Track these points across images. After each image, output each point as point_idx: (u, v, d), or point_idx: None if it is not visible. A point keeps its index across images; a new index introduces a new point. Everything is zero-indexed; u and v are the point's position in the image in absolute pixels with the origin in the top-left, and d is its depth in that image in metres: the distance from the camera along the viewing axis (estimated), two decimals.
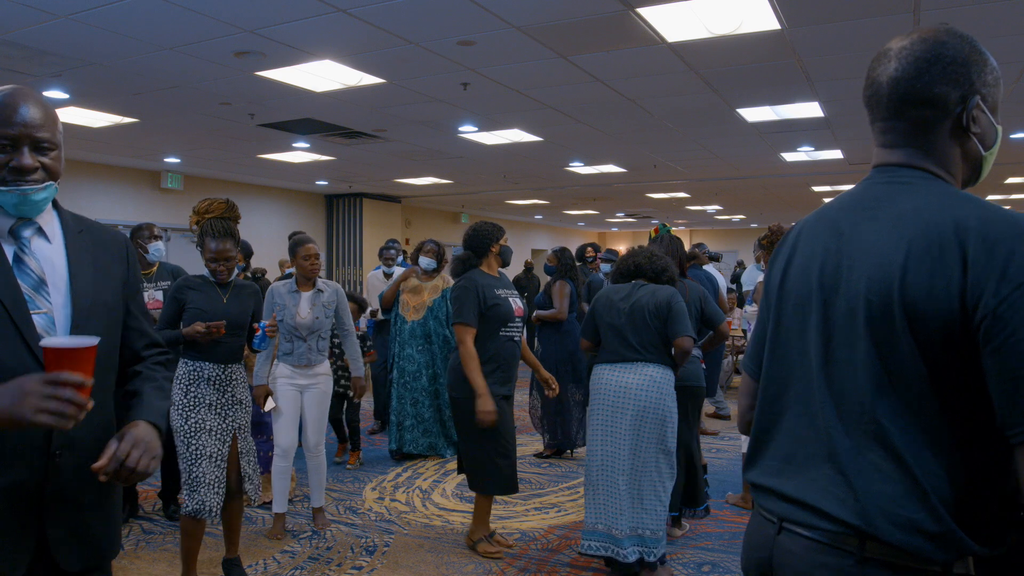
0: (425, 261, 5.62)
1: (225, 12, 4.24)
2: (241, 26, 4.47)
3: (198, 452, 3.17)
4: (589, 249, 8.19)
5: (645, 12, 4.27)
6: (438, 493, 4.79)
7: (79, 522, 1.43)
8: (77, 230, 1.52)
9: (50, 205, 1.49)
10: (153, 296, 4.23)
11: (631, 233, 23.62)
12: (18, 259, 1.40)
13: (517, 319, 3.72)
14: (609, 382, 3.35)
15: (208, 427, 3.21)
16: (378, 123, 7.34)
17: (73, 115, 6.76)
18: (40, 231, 1.45)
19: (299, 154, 9.16)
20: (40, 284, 1.41)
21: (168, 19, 4.31)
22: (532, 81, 5.81)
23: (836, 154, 9.16)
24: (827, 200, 14.33)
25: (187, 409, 3.21)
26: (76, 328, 1.42)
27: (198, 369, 3.25)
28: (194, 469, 3.15)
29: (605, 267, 7.14)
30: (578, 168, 10.36)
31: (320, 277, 4.14)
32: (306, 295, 4.02)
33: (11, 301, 1.35)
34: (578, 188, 12.52)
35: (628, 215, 18.25)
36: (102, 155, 8.90)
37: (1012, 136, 7.96)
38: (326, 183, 12.04)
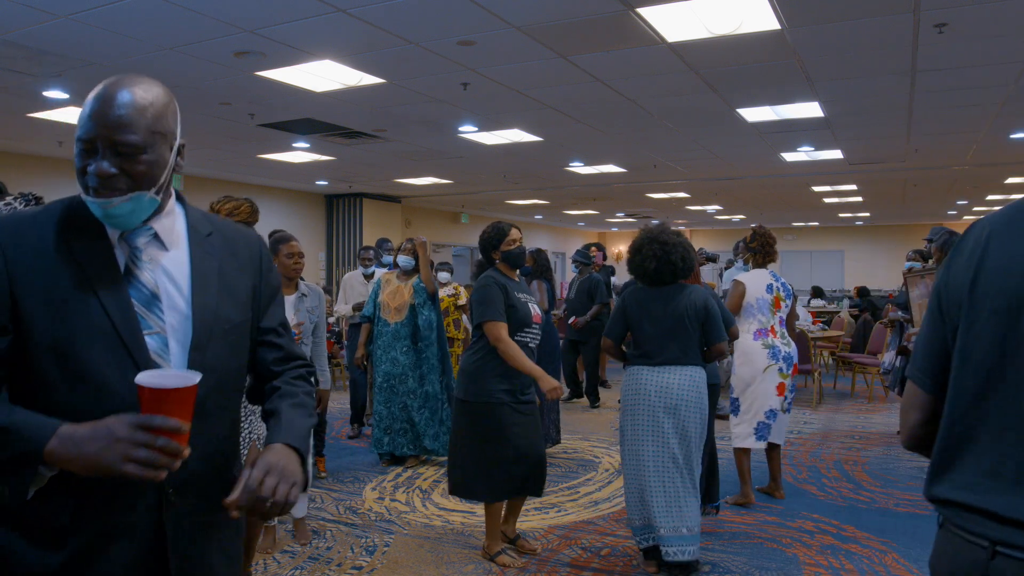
0: (403, 260, 5.38)
1: (225, 12, 4.24)
2: (241, 26, 4.47)
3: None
4: (593, 248, 8.19)
5: (645, 12, 4.27)
6: (438, 493, 4.78)
7: (200, 561, 1.28)
8: (205, 233, 1.34)
9: (176, 205, 1.33)
10: None
11: (631, 233, 23.61)
12: (129, 270, 1.24)
13: (535, 325, 3.58)
14: (649, 382, 3.38)
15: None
16: (378, 123, 7.34)
17: (73, 115, 6.76)
18: (156, 237, 1.28)
19: (299, 154, 9.16)
20: (152, 300, 1.23)
21: (168, 19, 4.31)
22: (532, 81, 5.81)
23: (836, 154, 9.16)
24: (827, 201, 14.35)
25: None
26: (196, 350, 1.25)
27: None
28: None
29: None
30: (578, 168, 10.36)
31: (302, 279, 3.93)
32: (289, 299, 3.69)
33: (122, 320, 1.19)
34: (578, 188, 12.52)
35: (628, 215, 18.25)
36: None
37: (1012, 136, 7.96)
38: (326, 183, 12.04)
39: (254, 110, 6.66)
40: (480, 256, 3.73)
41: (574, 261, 8.19)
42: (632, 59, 5.20)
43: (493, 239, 3.61)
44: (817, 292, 14.70)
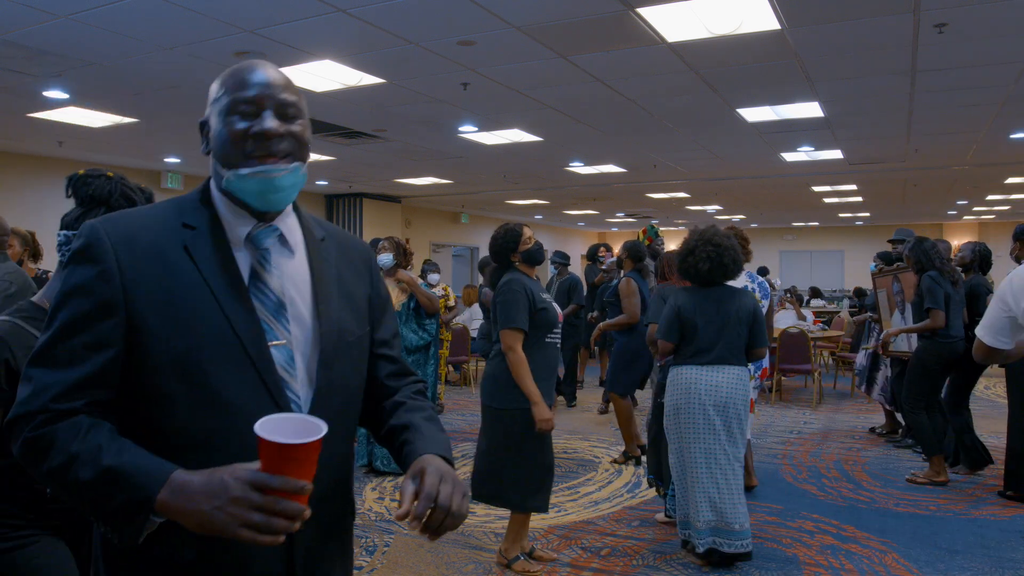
0: (382, 258, 5.24)
1: (225, 12, 4.24)
2: (241, 26, 4.47)
3: None
4: (602, 249, 8.24)
5: (645, 12, 4.27)
6: None
7: None
8: (319, 237, 1.24)
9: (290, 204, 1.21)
10: None
11: (631, 233, 23.62)
12: (255, 275, 1.12)
13: (559, 324, 3.58)
14: (700, 381, 3.47)
15: None
16: (378, 123, 7.34)
17: (73, 115, 6.76)
18: (282, 238, 1.17)
19: None
20: (279, 308, 1.12)
21: (168, 19, 4.31)
22: (532, 81, 5.81)
23: (836, 154, 9.16)
24: (827, 201, 14.33)
25: None
26: (324, 366, 1.14)
27: None
28: None
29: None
30: (578, 168, 10.36)
31: None
32: None
33: (247, 332, 1.08)
34: (578, 188, 12.51)
35: (628, 215, 18.25)
36: (102, 155, 8.90)
37: (1012, 136, 7.96)
38: (326, 183, 12.03)
39: None
40: (493, 260, 3.65)
41: (552, 262, 8.30)
42: (632, 59, 5.20)
43: (510, 241, 3.55)
44: (815, 292, 14.71)
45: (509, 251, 3.55)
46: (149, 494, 0.97)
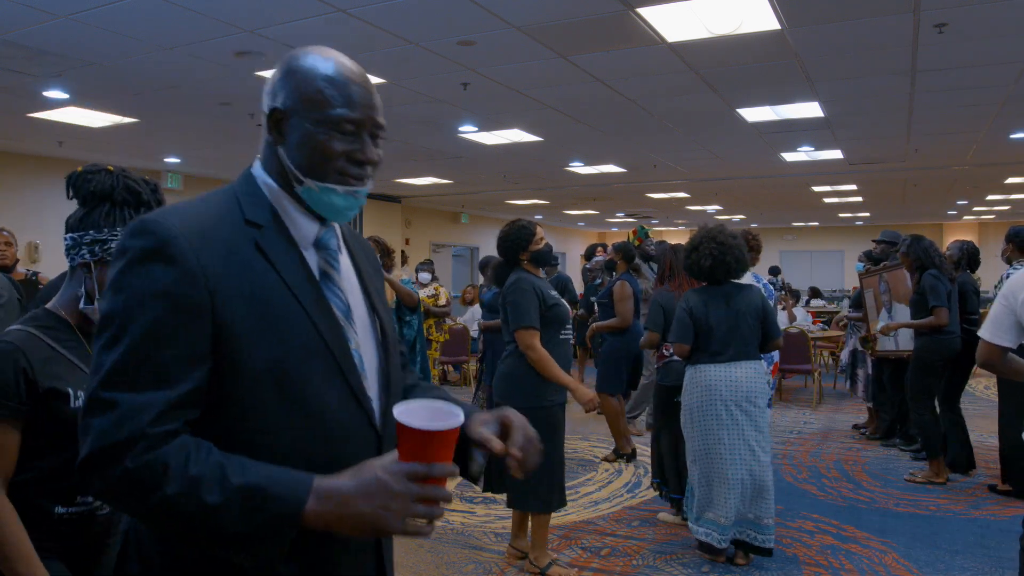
0: None
1: (225, 12, 4.24)
2: (241, 26, 4.47)
3: None
4: (599, 249, 8.23)
5: (645, 12, 4.27)
6: None
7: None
8: (351, 235, 1.23)
9: None
10: None
11: (631, 233, 23.59)
12: (325, 277, 1.08)
13: (570, 321, 3.58)
14: (719, 379, 3.51)
15: None
16: None
17: (73, 115, 6.76)
18: (340, 240, 1.14)
19: None
20: (348, 311, 1.09)
21: (168, 19, 4.31)
22: (532, 81, 5.81)
23: (836, 154, 9.16)
24: (827, 201, 14.33)
25: None
26: (385, 366, 1.13)
27: None
28: None
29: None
30: (578, 168, 10.36)
31: None
32: None
33: (333, 338, 1.03)
34: (578, 188, 12.51)
35: (628, 215, 18.25)
36: (102, 155, 8.90)
37: (1012, 136, 7.96)
38: None
39: (254, 110, 6.66)
40: (501, 255, 3.61)
41: None
42: (632, 59, 5.20)
43: (522, 240, 3.50)
44: (815, 293, 14.71)
45: (519, 249, 3.51)
46: (296, 507, 0.89)
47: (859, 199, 14.38)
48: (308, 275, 1.04)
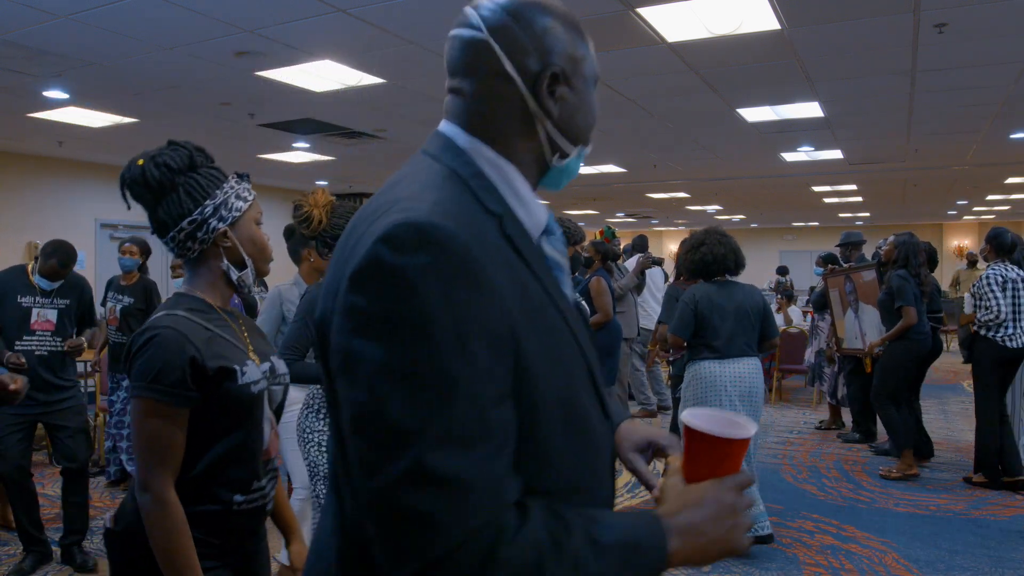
0: None
1: (225, 12, 4.24)
2: (241, 26, 4.47)
3: None
4: (599, 231, 8.27)
5: (645, 12, 4.27)
6: None
7: None
8: None
9: None
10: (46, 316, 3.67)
11: (631, 233, 23.61)
12: (558, 269, 0.92)
13: (587, 320, 3.66)
14: (724, 374, 3.59)
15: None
16: (378, 123, 7.34)
17: (73, 115, 6.76)
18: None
19: (299, 154, 9.16)
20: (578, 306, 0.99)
21: (168, 19, 4.31)
22: None
23: (836, 154, 9.16)
24: (827, 201, 14.33)
25: (330, 441, 2.78)
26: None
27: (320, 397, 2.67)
28: None
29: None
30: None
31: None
32: None
33: (591, 353, 0.90)
34: (578, 188, 12.51)
35: (628, 215, 18.25)
36: (102, 155, 8.89)
37: (1012, 136, 7.96)
38: (326, 183, 12.03)
39: (254, 110, 6.66)
40: None
41: None
42: (632, 59, 5.19)
43: (575, 236, 3.61)
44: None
45: (572, 244, 3.66)
46: (663, 552, 0.79)
47: (859, 199, 14.38)
48: (556, 278, 0.89)
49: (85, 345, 3.81)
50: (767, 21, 4.41)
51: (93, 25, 4.41)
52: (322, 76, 5.55)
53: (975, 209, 16.30)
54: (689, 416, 0.86)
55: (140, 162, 1.52)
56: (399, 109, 6.68)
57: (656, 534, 0.79)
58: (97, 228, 9.51)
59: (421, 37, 4.71)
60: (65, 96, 6.09)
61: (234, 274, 1.54)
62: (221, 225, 1.49)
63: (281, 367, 1.64)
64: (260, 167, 10.07)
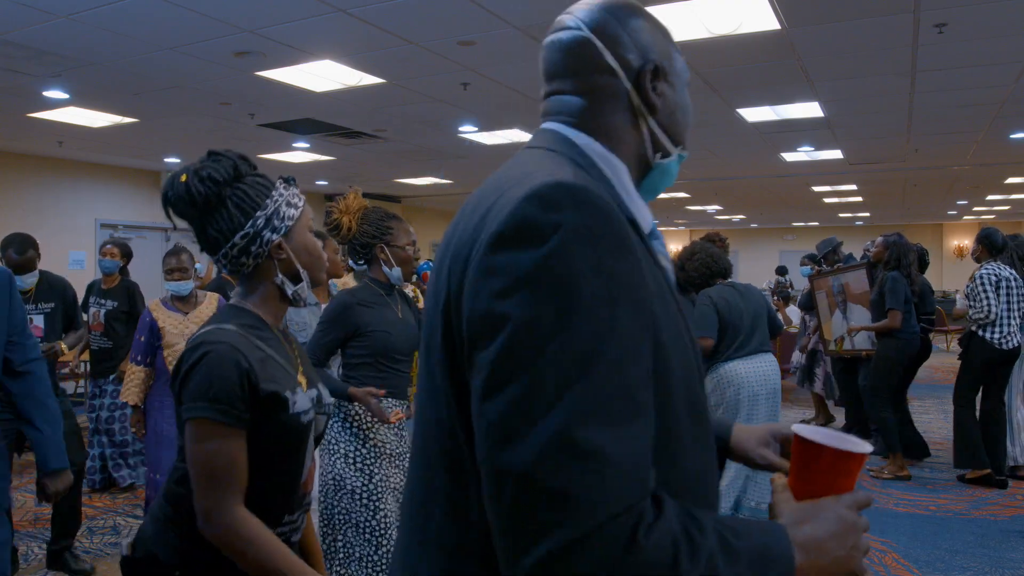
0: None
1: (225, 12, 4.24)
2: (241, 26, 4.47)
3: (387, 521, 2.41)
4: None
5: None
6: None
7: None
8: None
9: None
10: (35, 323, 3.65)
11: None
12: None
13: None
14: (750, 373, 3.60)
15: (392, 485, 2.53)
16: (378, 123, 7.34)
17: (73, 115, 6.76)
18: None
19: (299, 154, 9.16)
20: None
21: (168, 19, 4.31)
22: (532, 81, 5.80)
23: (836, 154, 9.16)
24: (827, 201, 14.32)
25: (368, 462, 2.49)
26: None
27: (383, 409, 2.55)
28: (383, 544, 2.39)
29: None
30: None
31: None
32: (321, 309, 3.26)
33: (691, 336, 0.86)
34: None
35: None
36: (102, 155, 8.90)
37: (1012, 136, 7.96)
38: (326, 183, 12.03)
39: (254, 110, 6.66)
40: None
41: None
42: None
43: None
44: None
45: None
46: (791, 565, 0.73)
47: (859, 199, 14.38)
48: (663, 268, 0.87)
49: (64, 349, 3.80)
50: (767, 21, 4.41)
51: (93, 25, 4.41)
52: (322, 76, 5.55)
53: (975, 209, 16.30)
54: (806, 431, 0.81)
55: (183, 178, 1.40)
56: (399, 109, 6.68)
57: (785, 545, 0.74)
58: (97, 228, 9.51)
59: (421, 37, 4.71)
60: (65, 96, 6.09)
61: (289, 288, 1.43)
62: (275, 236, 1.41)
63: (327, 395, 1.53)
64: (260, 167, 10.04)
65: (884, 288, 5.05)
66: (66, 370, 6.16)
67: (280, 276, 1.43)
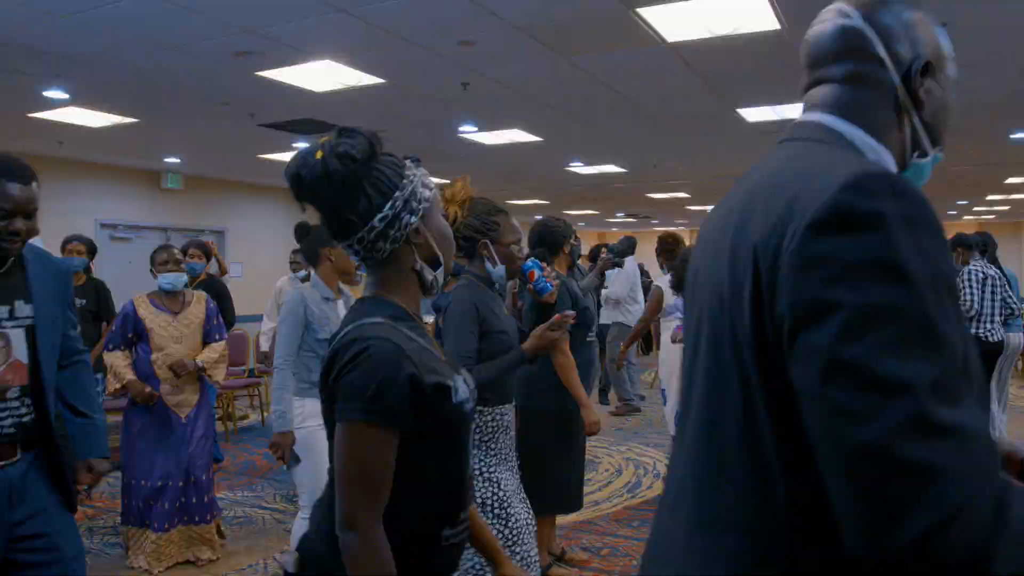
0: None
1: (225, 12, 4.24)
2: (241, 26, 4.47)
3: (518, 527, 2.32)
4: (603, 249, 8.31)
5: (645, 12, 4.27)
6: None
7: None
8: None
9: None
10: None
11: (631, 233, 23.59)
12: None
13: (595, 325, 3.56)
14: None
15: (514, 489, 2.43)
16: (378, 123, 7.32)
17: (73, 115, 6.76)
18: None
19: None
20: None
21: (168, 19, 4.31)
22: (532, 81, 5.81)
23: None
24: None
25: (493, 471, 2.37)
26: None
27: (499, 414, 2.44)
28: (516, 553, 2.28)
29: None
30: (578, 168, 10.36)
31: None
32: (340, 303, 3.13)
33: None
34: (578, 188, 12.51)
35: (628, 215, 18.25)
36: (102, 155, 8.89)
37: (1012, 136, 7.96)
38: None
39: (254, 110, 6.66)
40: (545, 247, 3.54)
41: None
42: (632, 59, 5.19)
43: (567, 231, 3.56)
44: None
45: (567, 238, 3.55)
46: None
47: None
48: None
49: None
50: (767, 21, 4.41)
51: (93, 25, 4.41)
52: (322, 76, 5.55)
53: (975, 209, 16.30)
54: None
55: (319, 154, 1.33)
56: (399, 109, 6.68)
57: None
58: (97, 228, 9.51)
59: (421, 37, 4.71)
60: (65, 96, 6.08)
61: (429, 274, 1.35)
62: (414, 219, 1.32)
63: (472, 382, 1.44)
64: (260, 167, 10.07)
65: None
66: None
67: (419, 262, 1.35)
